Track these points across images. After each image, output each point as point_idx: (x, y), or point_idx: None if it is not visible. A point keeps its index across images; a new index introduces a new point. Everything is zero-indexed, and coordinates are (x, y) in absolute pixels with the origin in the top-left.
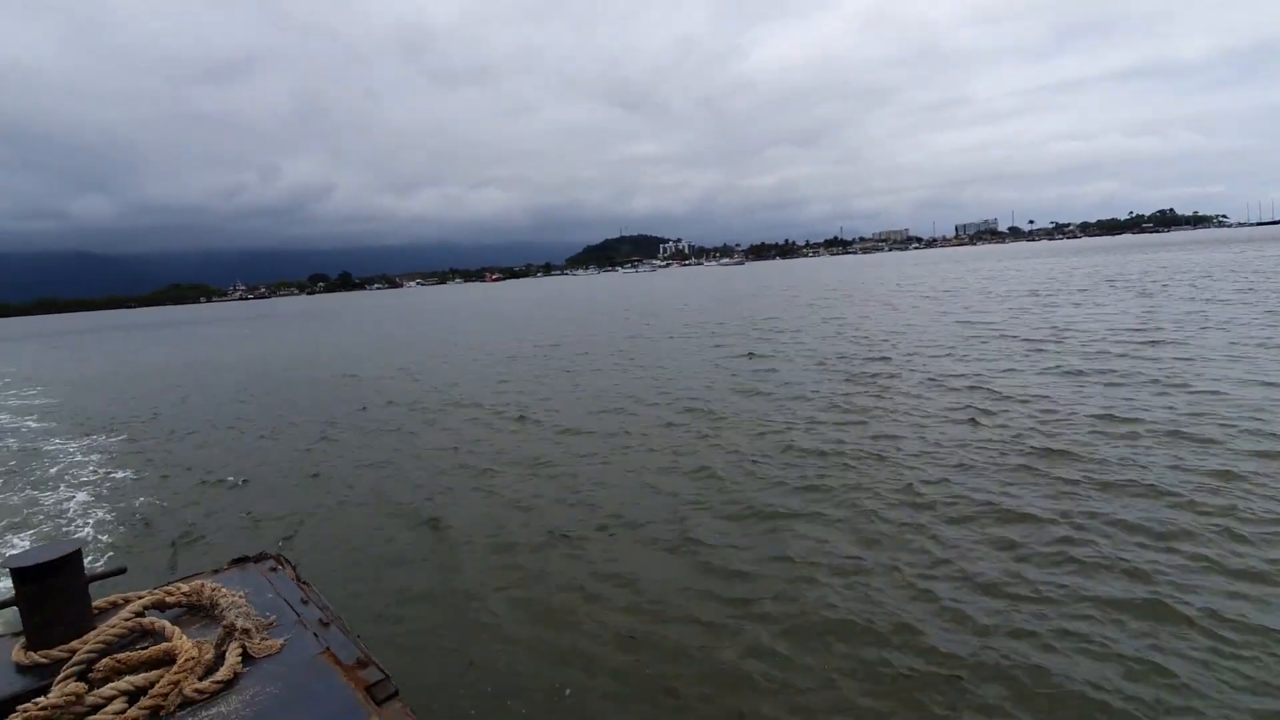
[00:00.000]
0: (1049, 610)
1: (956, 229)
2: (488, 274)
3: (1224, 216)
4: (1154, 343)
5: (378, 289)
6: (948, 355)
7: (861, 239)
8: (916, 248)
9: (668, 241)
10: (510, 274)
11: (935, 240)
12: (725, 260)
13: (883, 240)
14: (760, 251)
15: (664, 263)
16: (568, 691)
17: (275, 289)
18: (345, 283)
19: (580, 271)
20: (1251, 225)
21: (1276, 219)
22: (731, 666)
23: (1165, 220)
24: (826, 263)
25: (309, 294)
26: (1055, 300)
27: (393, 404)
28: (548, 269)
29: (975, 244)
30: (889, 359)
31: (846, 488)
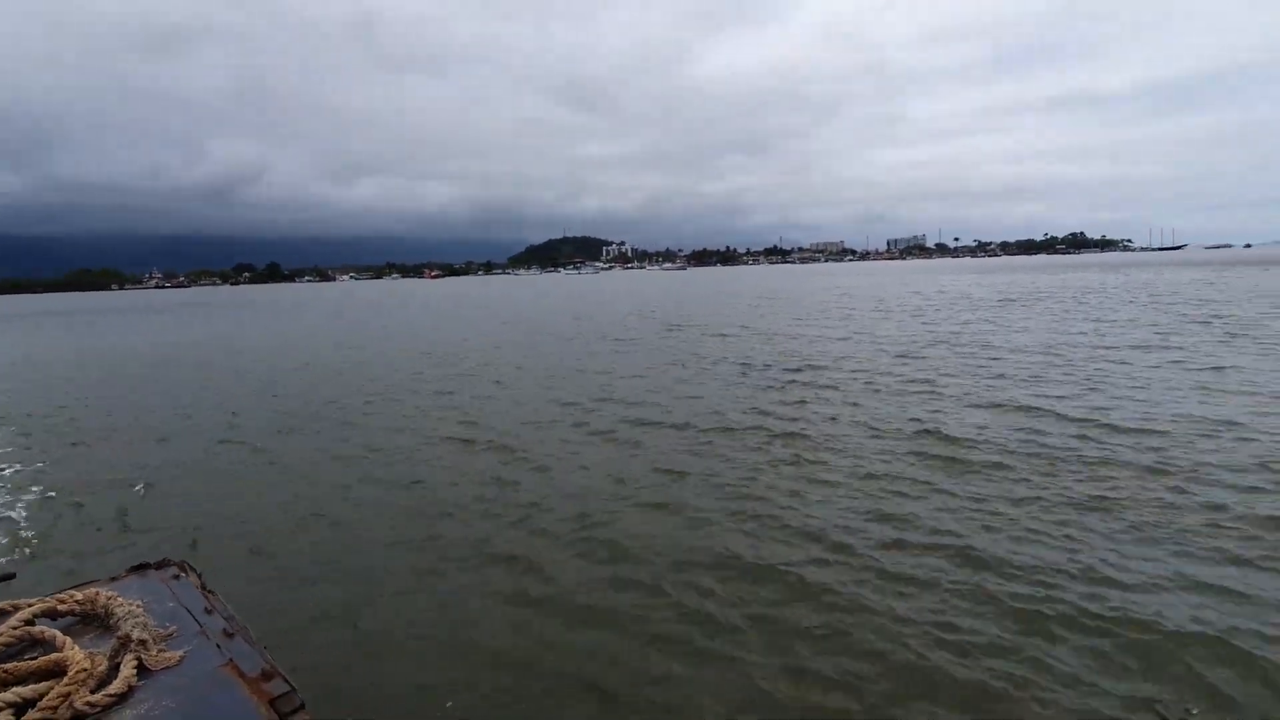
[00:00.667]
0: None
1: (888, 243)
2: (427, 270)
3: (1129, 241)
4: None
5: (309, 282)
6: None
7: (800, 249)
8: (851, 259)
9: (611, 244)
10: (451, 271)
11: (868, 253)
12: (667, 265)
13: (819, 251)
14: (702, 257)
15: (607, 265)
16: (479, 697)
17: (196, 277)
18: (273, 274)
19: (522, 271)
20: (1152, 250)
21: (1174, 245)
22: (656, 667)
23: (1076, 243)
24: (763, 270)
25: (233, 284)
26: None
27: (310, 402)
28: (489, 267)
29: (905, 258)
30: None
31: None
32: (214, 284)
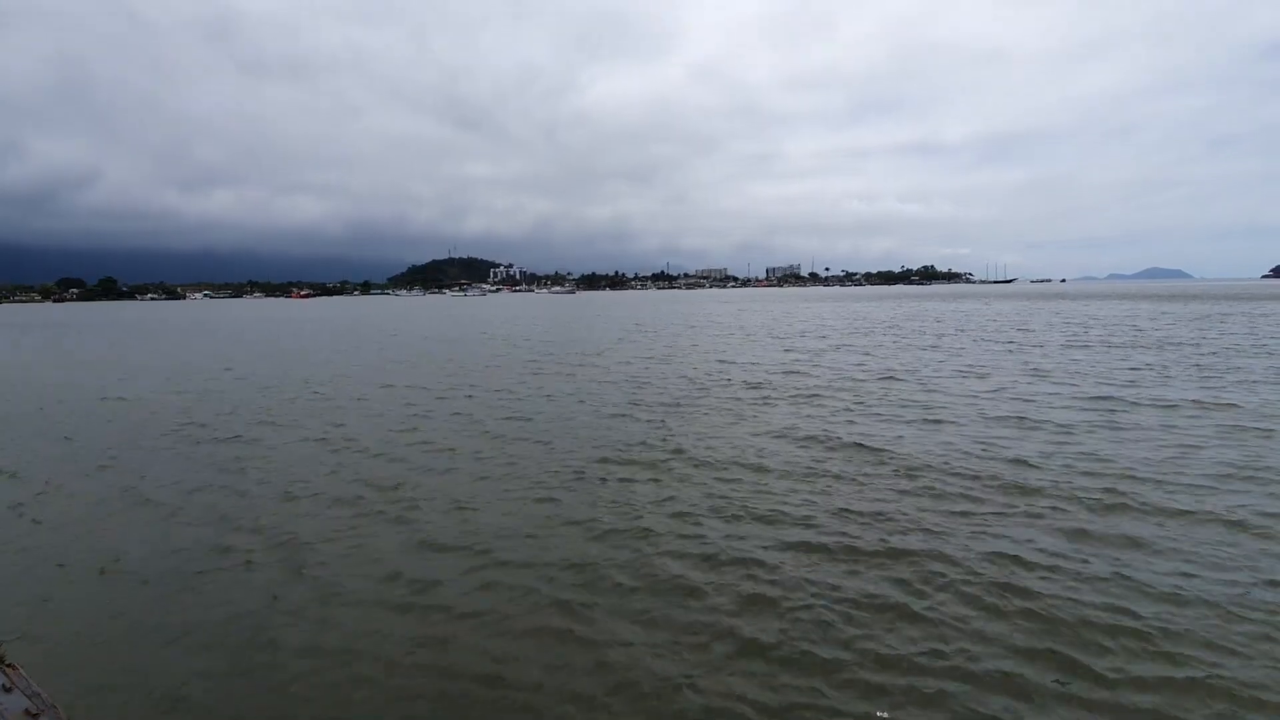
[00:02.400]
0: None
1: (767, 271)
2: (295, 289)
3: (970, 274)
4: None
5: (152, 299)
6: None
7: (686, 275)
8: (733, 286)
9: (499, 266)
10: (323, 290)
11: (750, 280)
12: (556, 288)
13: (704, 277)
14: (592, 281)
15: (494, 288)
16: None
17: (9, 292)
18: (108, 290)
19: (403, 292)
20: (990, 282)
21: (1006, 279)
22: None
23: (928, 275)
24: (650, 295)
25: (56, 301)
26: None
27: (125, 438)
28: (367, 287)
29: (782, 285)
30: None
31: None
32: (33, 299)
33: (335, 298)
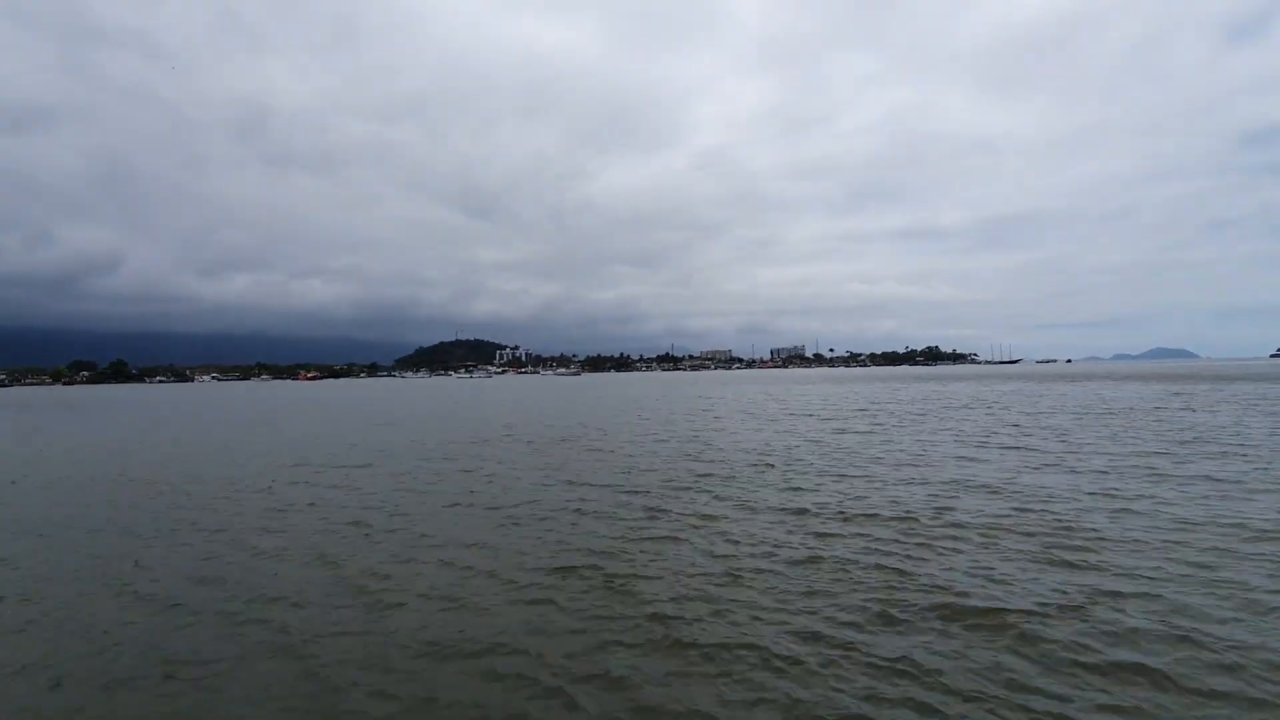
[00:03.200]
0: None
1: (772, 352)
2: (302, 372)
3: (975, 354)
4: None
5: (160, 381)
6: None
7: (691, 356)
8: (739, 367)
9: (505, 348)
10: (330, 372)
11: (754, 361)
12: (561, 370)
13: (709, 359)
14: (597, 363)
15: (500, 369)
16: None
17: (21, 375)
18: (119, 372)
19: (409, 374)
20: (996, 363)
21: (1011, 359)
22: None
23: (933, 355)
24: (655, 376)
25: (66, 384)
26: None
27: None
28: (374, 369)
29: (787, 366)
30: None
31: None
32: (44, 382)
33: (341, 379)
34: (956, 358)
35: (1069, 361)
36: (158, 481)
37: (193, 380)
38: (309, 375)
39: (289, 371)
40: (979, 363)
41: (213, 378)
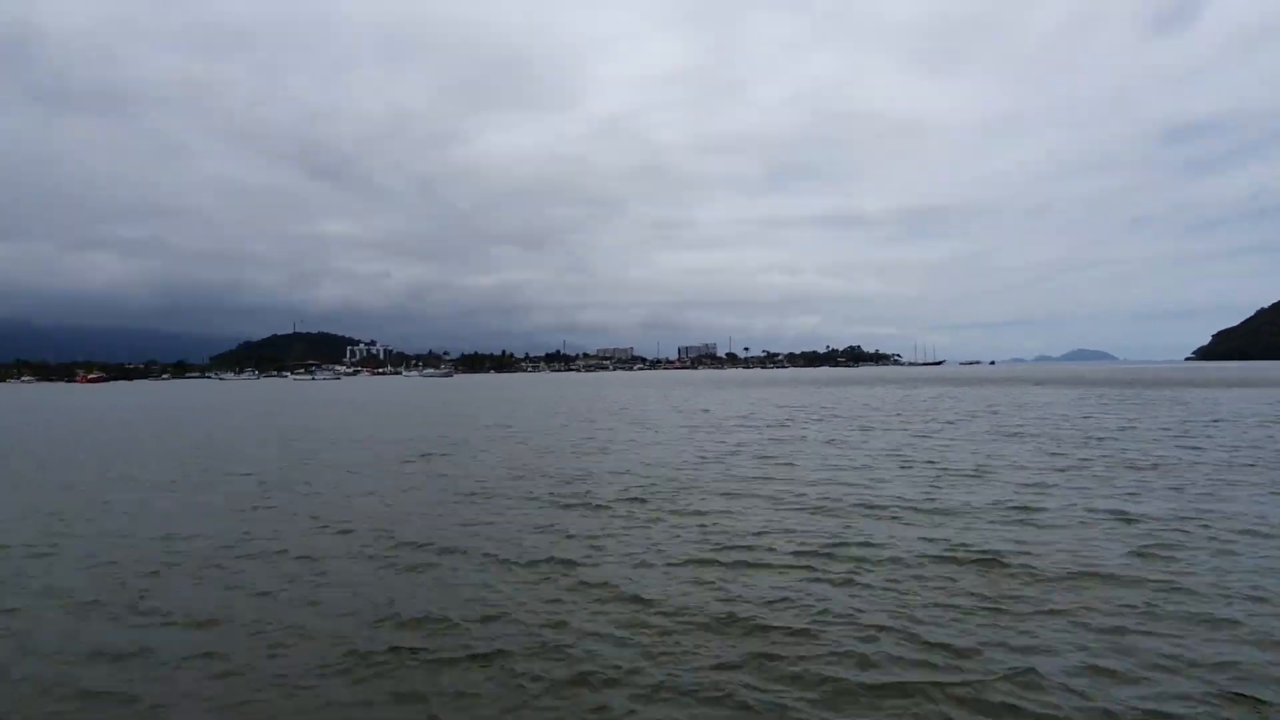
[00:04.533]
0: None
1: (680, 351)
2: (81, 372)
3: (899, 355)
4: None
5: None
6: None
7: (586, 355)
8: (641, 368)
9: (358, 343)
10: (121, 372)
11: (659, 361)
12: (430, 371)
13: (607, 358)
14: (474, 363)
15: (351, 370)
16: None
17: None
18: None
19: (230, 375)
20: (918, 365)
21: (935, 361)
22: None
23: (854, 356)
24: (543, 378)
25: None
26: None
27: None
28: (182, 368)
29: (696, 367)
30: None
31: None
32: None
33: (135, 382)
34: (879, 358)
35: (992, 364)
36: None
37: None
38: (90, 376)
39: (64, 371)
40: (902, 364)
41: None
